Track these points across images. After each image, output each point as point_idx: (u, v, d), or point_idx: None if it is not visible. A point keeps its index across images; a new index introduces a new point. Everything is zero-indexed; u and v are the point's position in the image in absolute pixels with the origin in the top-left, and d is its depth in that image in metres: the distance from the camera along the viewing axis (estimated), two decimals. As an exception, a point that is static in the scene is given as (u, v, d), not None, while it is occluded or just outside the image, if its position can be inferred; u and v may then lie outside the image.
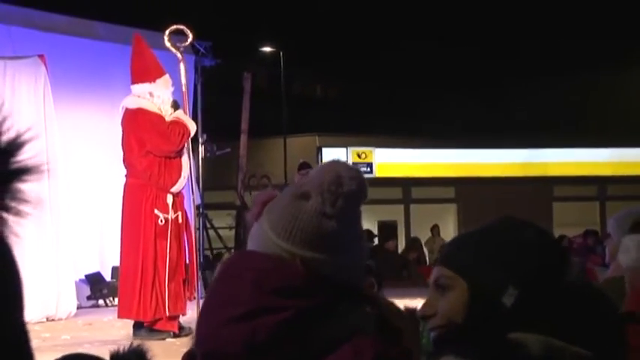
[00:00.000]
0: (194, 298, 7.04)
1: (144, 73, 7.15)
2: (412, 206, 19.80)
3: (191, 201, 7.46)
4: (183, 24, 7.71)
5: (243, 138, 12.71)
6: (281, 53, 17.46)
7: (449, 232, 17.98)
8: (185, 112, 7.31)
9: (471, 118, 19.07)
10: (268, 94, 18.20)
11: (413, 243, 16.07)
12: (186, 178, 7.11)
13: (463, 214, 19.12)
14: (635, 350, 1.77)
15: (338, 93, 21.77)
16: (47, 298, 7.95)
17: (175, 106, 7.11)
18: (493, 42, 17.78)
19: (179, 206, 7.05)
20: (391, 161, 18.97)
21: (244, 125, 12.71)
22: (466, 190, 18.99)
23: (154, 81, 7.09)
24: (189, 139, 7.22)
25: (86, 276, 9.84)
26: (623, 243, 2.24)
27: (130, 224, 6.90)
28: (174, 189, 6.99)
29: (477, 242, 1.69)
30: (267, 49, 18.20)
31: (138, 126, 7.00)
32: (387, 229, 17.99)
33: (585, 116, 18.14)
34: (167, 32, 7.37)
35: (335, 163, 1.63)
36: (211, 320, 1.57)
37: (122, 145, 7.10)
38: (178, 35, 7.62)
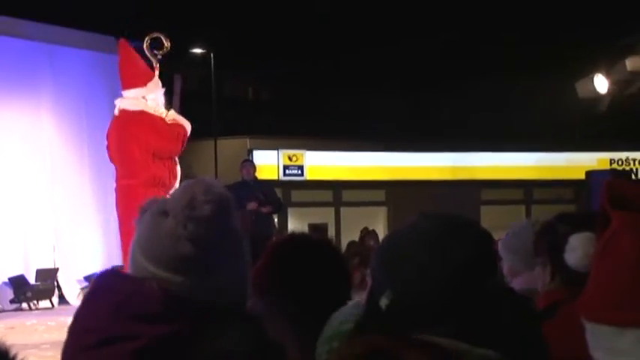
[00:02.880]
0: None
1: (134, 78, 7.28)
2: (343, 209, 19.84)
3: None
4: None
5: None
6: (212, 55, 17.36)
7: (379, 234, 18.05)
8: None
9: (401, 121, 19.22)
10: (199, 95, 18.06)
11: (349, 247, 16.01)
12: (178, 179, 7.18)
13: (393, 216, 19.22)
14: (553, 345, 1.77)
15: (269, 95, 21.72)
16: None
17: (167, 107, 7.26)
18: (424, 43, 17.90)
19: None
20: (322, 164, 18.99)
21: (174, 127, 12.59)
22: (396, 193, 19.12)
23: (145, 85, 7.21)
24: None
25: (9, 279, 9.64)
26: (569, 243, 2.26)
27: (131, 226, 6.82)
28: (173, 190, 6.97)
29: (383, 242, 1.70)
30: (197, 50, 18.07)
31: (141, 128, 7.04)
32: (318, 232, 17.96)
33: (511, 121, 18.40)
34: (147, 39, 7.59)
35: (194, 184, 1.58)
36: (69, 346, 1.51)
37: (114, 147, 7.12)
38: (155, 42, 7.73)
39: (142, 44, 10.59)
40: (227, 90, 20.60)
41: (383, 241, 1.72)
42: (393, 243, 1.65)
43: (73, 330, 1.54)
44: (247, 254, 1.66)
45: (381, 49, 18.17)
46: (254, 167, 11.90)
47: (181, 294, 1.49)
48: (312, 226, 18.77)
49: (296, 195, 18.77)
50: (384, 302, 1.57)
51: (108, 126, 7.56)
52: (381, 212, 19.93)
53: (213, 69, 17.32)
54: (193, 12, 16.86)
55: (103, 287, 1.54)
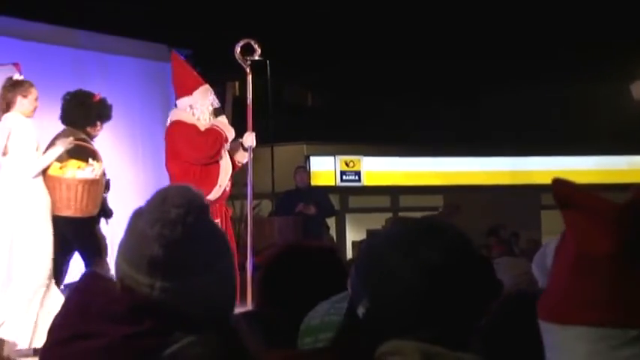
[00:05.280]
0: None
1: (182, 87, 7.58)
2: (400, 215, 19.78)
3: (250, 206, 8.02)
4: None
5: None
6: (267, 62, 17.45)
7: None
8: (248, 125, 7.64)
9: (458, 125, 19.09)
10: (257, 103, 18.17)
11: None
12: (224, 186, 7.31)
13: (451, 222, 19.09)
14: None
15: (326, 102, 21.78)
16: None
17: (217, 113, 7.42)
18: (479, 48, 17.79)
19: (217, 213, 7.19)
20: (379, 169, 18.96)
21: (228, 135, 12.71)
22: (454, 198, 18.98)
23: (191, 94, 7.47)
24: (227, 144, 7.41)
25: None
26: (548, 246, 2.24)
27: None
28: (210, 197, 7.13)
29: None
30: (255, 58, 18.17)
31: (172, 137, 7.35)
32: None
33: (569, 124, 18.16)
34: (238, 46, 7.88)
35: (170, 188, 1.60)
36: (45, 342, 1.55)
37: (165, 157, 7.51)
38: (247, 49, 7.98)
39: (191, 52, 10.76)
40: (286, 97, 20.70)
41: (359, 248, 1.72)
42: (367, 250, 1.64)
43: (50, 326, 1.58)
44: (229, 265, 1.65)
45: (437, 54, 18.10)
46: (307, 174, 11.97)
47: (149, 297, 1.50)
48: (369, 232, 18.77)
49: (353, 201, 18.76)
50: (361, 310, 1.57)
51: (162, 135, 7.81)
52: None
53: (269, 76, 17.43)
54: (250, 19, 16.97)
55: (77, 287, 1.58)
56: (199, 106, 7.43)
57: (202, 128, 7.37)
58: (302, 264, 2.23)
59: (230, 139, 7.41)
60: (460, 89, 18.89)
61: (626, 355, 1.09)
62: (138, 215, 1.56)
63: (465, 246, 1.60)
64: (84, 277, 1.57)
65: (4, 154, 7.14)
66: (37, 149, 7.22)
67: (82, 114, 7.58)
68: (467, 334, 1.58)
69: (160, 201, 1.54)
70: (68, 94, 7.84)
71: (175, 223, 1.51)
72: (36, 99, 7.31)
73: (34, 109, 7.31)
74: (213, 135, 7.28)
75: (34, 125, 7.73)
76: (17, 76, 7.51)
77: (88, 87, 9.40)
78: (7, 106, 7.23)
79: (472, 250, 1.64)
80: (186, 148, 7.21)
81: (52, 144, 7.46)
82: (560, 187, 1.24)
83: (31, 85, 7.34)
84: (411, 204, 19.65)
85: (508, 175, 19.18)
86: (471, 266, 1.59)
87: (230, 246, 1.65)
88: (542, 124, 18.65)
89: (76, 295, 1.51)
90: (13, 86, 7.29)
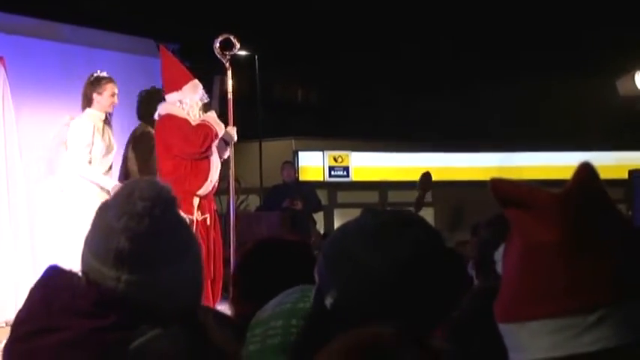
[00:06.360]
0: (221, 297, 7.23)
1: (171, 82, 7.60)
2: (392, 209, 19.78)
3: (232, 201, 7.92)
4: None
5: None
6: (256, 57, 17.43)
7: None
8: (229, 120, 7.67)
9: (446, 121, 19.10)
10: (246, 98, 18.13)
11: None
12: (214, 181, 7.35)
13: (440, 217, 19.11)
14: None
15: (315, 97, 21.76)
16: (5, 301, 7.89)
17: (206, 108, 7.47)
18: (468, 43, 17.81)
19: (207, 209, 7.23)
20: (368, 165, 18.97)
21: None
22: (443, 194, 19.01)
23: (181, 89, 7.50)
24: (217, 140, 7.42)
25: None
26: (499, 252, 2.24)
27: None
28: (201, 192, 7.16)
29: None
30: (241, 52, 18.13)
31: (164, 131, 7.35)
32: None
33: (555, 120, 18.20)
34: (217, 41, 7.84)
35: (137, 181, 1.60)
36: (8, 338, 1.54)
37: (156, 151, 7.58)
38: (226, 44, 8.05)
39: (178, 46, 10.74)
40: (275, 92, 20.67)
41: (328, 238, 1.71)
42: (336, 241, 1.64)
43: (14, 321, 1.57)
44: (196, 259, 1.64)
45: (426, 50, 18.11)
46: (294, 169, 11.96)
47: (115, 290, 1.49)
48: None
49: (342, 196, 18.76)
50: (328, 301, 1.57)
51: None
52: (428, 213, 19.82)
53: (257, 71, 17.39)
54: (238, 14, 16.95)
55: (40, 281, 1.57)
56: (189, 101, 7.44)
57: (193, 123, 7.37)
58: (276, 258, 2.23)
59: (220, 135, 7.40)
60: (448, 85, 18.91)
61: (588, 341, 1.09)
62: (104, 208, 1.56)
63: (433, 240, 1.61)
64: (48, 271, 1.56)
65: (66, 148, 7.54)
66: (89, 146, 7.45)
67: (152, 110, 7.90)
68: (432, 327, 1.58)
69: (126, 194, 1.54)
70: (142, 91, 8.56)
71: (142, 216, 1.51)
72: (112, 95, 7.61)
73: (111, 105, 7.59)
74: (204, 130, 7.29)
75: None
76: (98, 72, 7.73)
77: (74, 82, 9.38)
78: (88, 103, 7.56)
79: (441, 244, 1.65)
80: (180, 142, 7.20)
81: (131, 139, 8.20)
82: (499, 185, 1.24)
83: (108, 82, 7.63)
84: (399, 199, 19.65)
85: (496, 171, 19.20)
86: (438, 260, 1.60)
87: (197, 240, 1.64)
88: (530, 121, 18.68)
89: (40, 290, 1.50)
90: (92, 83, 7.63)
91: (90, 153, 7.40)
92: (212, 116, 7.50)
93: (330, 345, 1.18)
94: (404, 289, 1.53)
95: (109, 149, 7.54)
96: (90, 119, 7.48)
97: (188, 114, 7.42)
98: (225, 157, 7.84)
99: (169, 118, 7.40)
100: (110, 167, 7.64)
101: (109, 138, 7.59)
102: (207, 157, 7.34)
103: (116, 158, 8.02)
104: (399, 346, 1.19)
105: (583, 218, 1.17)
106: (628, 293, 1.10)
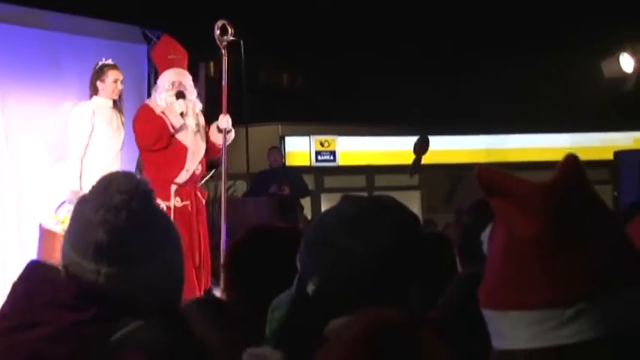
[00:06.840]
0: (210, 285, 7.22)
1: (159, 68, 7.79)
2: (376, 194, 19.79)
3: (224, 188, 7.87)
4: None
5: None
6: (241, 42, 17.37)
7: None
8: (223, 107, 7.67)
9: (433, 104, 19.11)
10: (232, 83, 18.08)
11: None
12: (191, 170, 7.28)
13: (427, 201, 19.16)
14: None
15: (301, 82, 21.72)
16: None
17: (178, 96, 7.44)
18: (455, 28, 17.80)
19: (187, 195, 7.18)
20: (354, 149, 18.97)
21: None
22: (430, 177, 19.04)
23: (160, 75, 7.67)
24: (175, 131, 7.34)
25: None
26: (483, 235, 2.24)
27: None
28: (178, 180, 7.14)
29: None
30: (229, 38, 18.07)
31: (134, 120, 7.42)
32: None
33: (541, 102, 18.24)
34: (217, 27, 7.97)
35: (114, 174, 1.59)
36: None
37: None
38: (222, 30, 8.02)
39: (164, 33, 10.69)
40: (260, 77, 20.61)
41: (310, 225, 1.71)
42: (317, 228, 1.64)
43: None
44: (176, 251, 1.64)
45: (413, 34, 18.08)
46: (281, 154, 11.94)
47: (95, 283, 1.48)
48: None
49: (329, 181, 18.77)
50: (310, 288, 1.57)
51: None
52: (415, 196, 19.85)
53: (243, 56, 17.34)
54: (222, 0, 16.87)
55: (21, 276, 1.56)
56: (159, 89, 7.48)
57: (158, 112, 7.36)
58: (267, 245, 2.23)
59: (177, 126, 7.31)
60: (435, 69, 18.90)
61: (566, 334, 1.10)
62: (83, 202, 1.55)
63: (412, 225, 1.62)
64: (28, 266, 1.56)
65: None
66: (89, 134, 7.48)
67: None
68: (416, 311, 1.59)
69: (103, 187, 1.54)
70: None
71: (119, 209, 1.51)
72: (114, 81, 7.61)
73: (114, 91, 7.60)
74: (159, 123, 7.24)
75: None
76: (103, 61, 7.75)
77: (58, 70, 9.31)
78: (95, 91, 7.62)
79: (420, 229, 1.65)
80: (138, 134, 7.33)
81: None
82: (484, 174, 1.24)
83: (111, 68, 7.64)
84: (386, 183, 19.69)
85: (483, 153, 19.25)
86: (418, 246, 1.61)
87: (177, 232, 1.64)
88: (517, 103, 18.71)
89: (21, 285, 1.50)
90: (96, 72, 7.65)
91: (89, 137, 7.44)
92: (172, 109, 7.39)
93: (337, 331, 1.19)
94: (385, 274, 1.54)
95: (115, 134, 7.58)
96: (90, 106, 7.51)
97: (157, 103, 7.45)
98: (220, 144, 7.82)
99: (141, 108, 7.54)
100: (118, 151, 7.69)
101: (117, 123, 7.63)
102: (172, 147, 7.27)
103: (131, 143, 8.01)
104: (413, 324, 1.20)
105: (565, 211, 1.17)
106: (606, 287, 1.11)
